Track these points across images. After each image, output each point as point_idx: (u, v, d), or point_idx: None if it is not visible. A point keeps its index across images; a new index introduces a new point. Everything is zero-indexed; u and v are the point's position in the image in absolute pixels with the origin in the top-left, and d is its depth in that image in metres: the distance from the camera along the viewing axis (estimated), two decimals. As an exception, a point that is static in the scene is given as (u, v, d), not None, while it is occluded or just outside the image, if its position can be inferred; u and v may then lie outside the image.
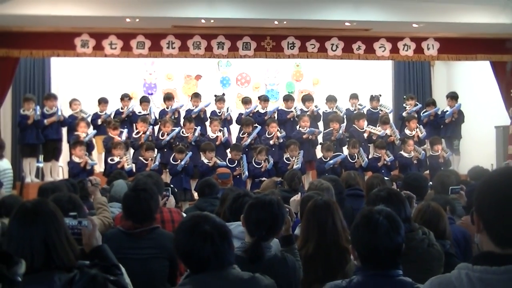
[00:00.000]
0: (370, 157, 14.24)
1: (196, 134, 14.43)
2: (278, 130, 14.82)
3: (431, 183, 8.44)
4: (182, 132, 14.59)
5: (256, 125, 14.95)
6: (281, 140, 14.59)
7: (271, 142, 14.56)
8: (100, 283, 3.38)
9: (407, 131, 14.92)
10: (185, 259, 3.62)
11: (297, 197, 7.07)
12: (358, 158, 13.92)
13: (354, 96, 16.30)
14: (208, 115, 15.60)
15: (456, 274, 2.48)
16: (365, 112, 15.80)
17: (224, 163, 13.45)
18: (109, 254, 3.90)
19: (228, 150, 14.23)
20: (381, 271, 3.48)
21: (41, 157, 14.61)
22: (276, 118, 15.45)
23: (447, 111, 15.35)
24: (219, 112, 15.53)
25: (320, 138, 15.16)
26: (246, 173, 13.60)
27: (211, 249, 3.46)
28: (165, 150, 14.16)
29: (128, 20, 14.36)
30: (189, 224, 3.63)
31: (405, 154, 14.13)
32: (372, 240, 3.49)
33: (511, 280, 2.27)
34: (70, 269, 3.41)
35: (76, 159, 13.13)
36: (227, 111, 15.71)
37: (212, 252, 3.47)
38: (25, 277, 0.97)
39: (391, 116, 16.05)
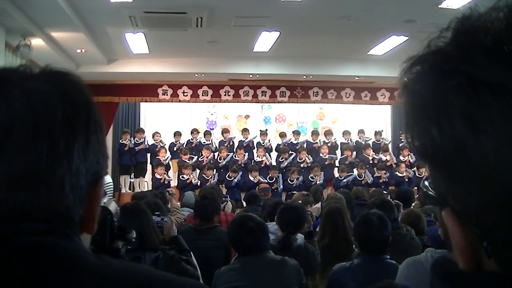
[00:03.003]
0: (374, 176, 14.22)
1: (245, 158, 14.59)
2: (306, 156, 14.85)
3: (417, 195, 8.48)
4: (235, 156, 14.69)
5: (292, 152, 15.02)
6: (309, 164, 14.59)
7: (302, 165, 14.61)
8: (176, 260, 3.56)
9: (401, 157, 14.86)
10: (235, 245, 3.75)
11: (318, 204, 7.21)
12: (365, 177, 13.93)
13: (361, 131, 16.21)
14: (255, 144, 15.67)
15: (424, 255, 2.64)
16: (370, 144, 15.74)
17: (265, 180, 13.59)
18: (182, 241, 4.02)
19: (268, 170, 14.32)
20: (374, 256, 3.58)
21: (132, 175, 14.84)
22: (305, 147, 15.44)
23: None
24: (263, 143, 15.50)
25: (337, 162, 15.19)
26: (281, 187, 13.71)
27: (253, 239, 3.57)
28: (222, 170, 14.23)
29: (196, 75, 14.63)
30: (238, 221, 3.77)
31: (399, 174, 14.11)
32: (368, 233, 3.60)
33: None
34: (156, 250, 3.56)
35: (158, 176, 13.36)
36: (269, 142, 15.67)
37: (254, 241, 3.56)
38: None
39: (390, 146, 15.99)
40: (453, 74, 0.55)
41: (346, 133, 16.21)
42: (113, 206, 1.18)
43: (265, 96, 15.94)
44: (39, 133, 0.75)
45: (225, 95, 15.73)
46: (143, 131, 15.12)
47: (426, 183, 0.66)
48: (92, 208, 0.83)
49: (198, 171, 14.49)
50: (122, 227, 1.22)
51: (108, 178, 10.86)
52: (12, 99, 0.76)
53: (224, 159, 14.42)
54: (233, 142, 15.77)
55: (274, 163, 14.87)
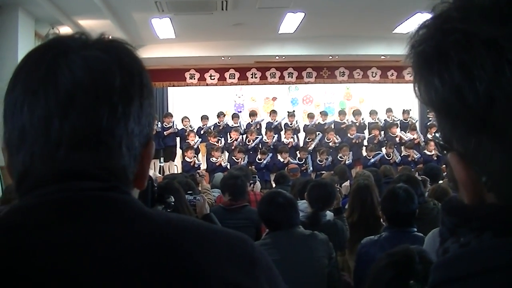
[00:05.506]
0: (402, 155, 14.17)
1: (274, 140, 14.64)
2: (335, 136, 14.88)
3: (445, 173, 8.47)
4: (263, 139, 14.81)
5: (319, 132, 15.07)
6: (337, 144, 14.61)
7: (330, 145, 14.65)
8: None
9: (429, 136, 14.73)
10: (266, 221, 3.82)
11: (347, 183, 7.26)
12: (392, 156, 13.91)
13: (389, 110, 16.04)
14: (283, 126, 15.62)
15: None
16: (398, 123, 15.66)
17: (295, 160, 13.65)
18: (215, 219, 4.10)
19: (297, 151, 14.41)
20: (401, 228, 3.61)
21: (161, 159, 15.00)
22: (333, 127, 15.44)
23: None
24: (291, 124, 15.50)
25: (365, 142, 15.18)
26: (311, 168, 13.76)
27: (283, 214, 3.62)
28: (251, 152, 14.33)
29: (223, 58, 14.71)
30: (268, 197, 3.81)
31: (428, 153, 14.00)
32: (395, 206, 3.63)
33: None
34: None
35: (188, 159, 13.49)
36: (296, 123, 15.66)
37: (284, 216, 3.62)
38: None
39: (417, 124, 15.87)
40: (452, 32, 0.64)
41: (373, 113, 16.10)
42: (152, 173, 1.28)
43: (292, 77, 15.98)
44: (99, 98, 0.84)
45: (252, 77, 15.80)
46: (172, 116, 15.25)
47: (437, 134, 0.76)
48: (144, 166, 0.93)
49: (227, 153, 14.62)
50: (160, 193, 1.32)
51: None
52: (75, 66, 0.84)
53: (253, 141, 14.49)
54: (260, 125, 15.79)
55: (301, 145, 14.93)
